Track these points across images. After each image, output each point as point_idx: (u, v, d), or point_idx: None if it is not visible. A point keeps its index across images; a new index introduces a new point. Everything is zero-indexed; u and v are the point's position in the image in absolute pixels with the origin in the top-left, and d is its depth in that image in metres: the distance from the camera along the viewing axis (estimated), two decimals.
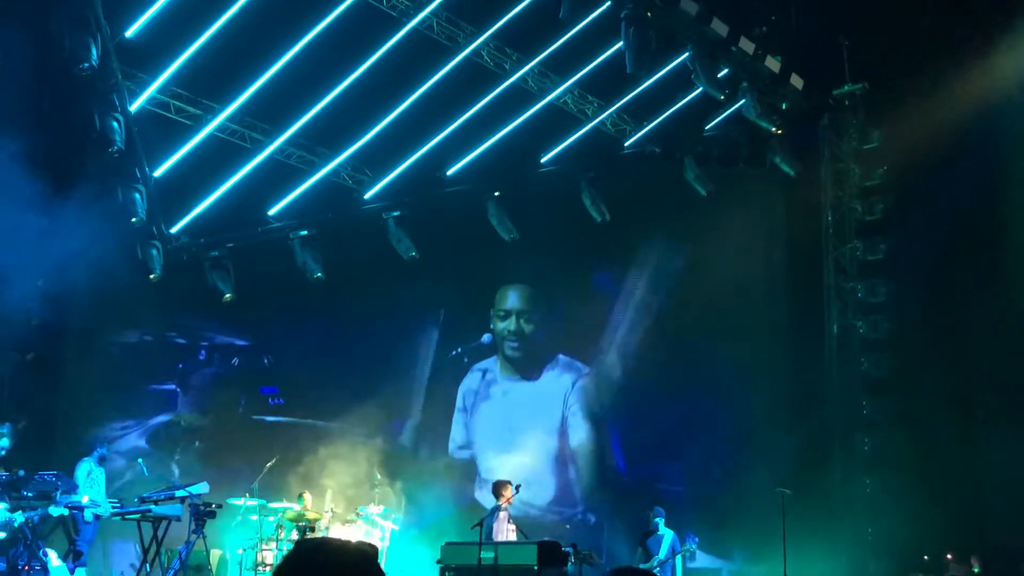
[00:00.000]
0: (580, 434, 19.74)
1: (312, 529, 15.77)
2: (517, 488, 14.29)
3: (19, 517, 13.16)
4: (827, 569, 15.77)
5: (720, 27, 15.52)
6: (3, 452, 12.43)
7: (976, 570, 15.86)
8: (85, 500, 14.47)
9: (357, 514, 16.80)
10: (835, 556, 16.18)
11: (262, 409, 20.60)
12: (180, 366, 20.62)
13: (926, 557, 16.29)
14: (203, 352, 20.82)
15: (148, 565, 14.74)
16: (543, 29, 16.68)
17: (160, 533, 14.77)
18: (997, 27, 16.23)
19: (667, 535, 15.45)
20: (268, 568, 15.91)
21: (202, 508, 14.79)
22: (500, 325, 20.41)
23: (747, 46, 16.03)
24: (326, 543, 2.51)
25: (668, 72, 17.32)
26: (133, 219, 16.14)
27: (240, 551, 16.23)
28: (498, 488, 14.74)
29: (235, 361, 21.04)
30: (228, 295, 18.12)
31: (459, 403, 20.68)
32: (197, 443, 19.50)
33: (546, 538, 15.16)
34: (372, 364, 19.64)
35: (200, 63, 15.85)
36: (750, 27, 16.24)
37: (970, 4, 16.86)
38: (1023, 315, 16.28)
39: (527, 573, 12.12)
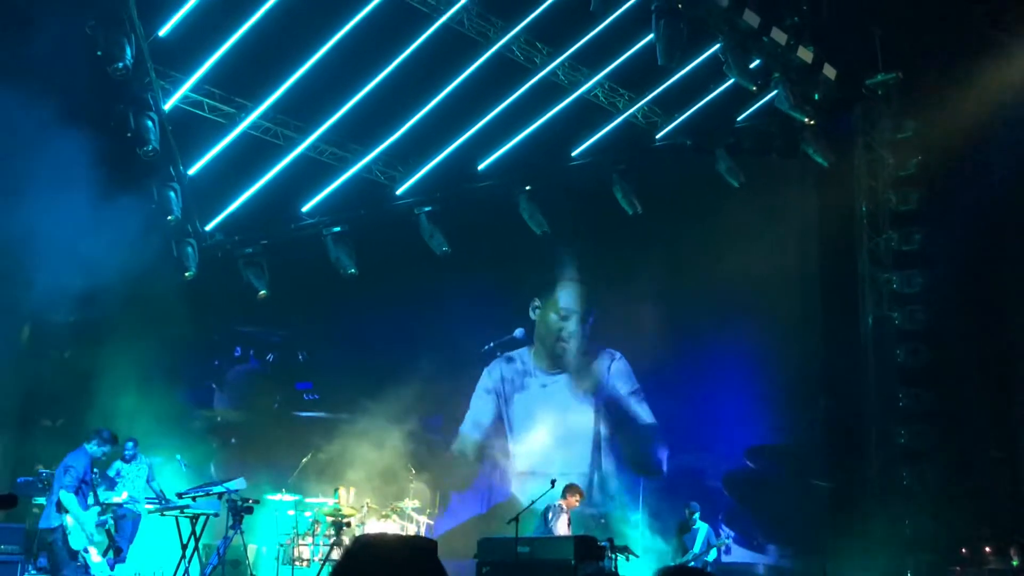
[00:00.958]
0: (614, 422, 19.73)
1: (348, 524, 15.84)
2: (552, 483, 14.30)
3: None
4: (864, 563, 15.68)
5: (752, 17, 15.41)
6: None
7: (1015, 563, 15.72)
8: (124, 497, 14.62)
9: (392, 509, 16.88)
10: (872, 550, 16.08)
11: (297, 405, 20.74)
12: (216, 363, 20.79)
13: (964, 550, 16.17)
14: (238, 349, 20.97)
15: (186, 561, 14.88)
16: (573, 23, 16.64)
17: (198, 529, 14.90)
18: None
19: (702, 529, 15.45)
20: (305, 563, 16.01)
21: (239, 504, 14.88)
22: (554, 321, 20.38)
23: (779, 36, 15.91)
24: (384, 538, 2.52)
25: (699, 63, 17.22)
26: (168, 217, 16.28)
27: (278, 546, 16.36)
28: (569, 490, 14.76)
29: (270, 357, 21.20)
30: (262, 292, 18.24)
31: (486, 384, 20.67)
32: (233, 439, 19.65)
33: (582, 532, 15.22)
34: (406, 359, 19.70)
35: (233, 61, 15.94)
36: (782, 17, 16.12)
37: None
38: None
39: (564, 568, 12.13)
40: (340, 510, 15.88)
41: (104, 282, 17.83)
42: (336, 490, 16.47)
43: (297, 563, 15.98)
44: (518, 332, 20.82)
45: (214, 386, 20.72)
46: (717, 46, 15.96)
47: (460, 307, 20.51)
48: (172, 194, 16.27)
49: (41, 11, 14.08)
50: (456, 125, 17.91)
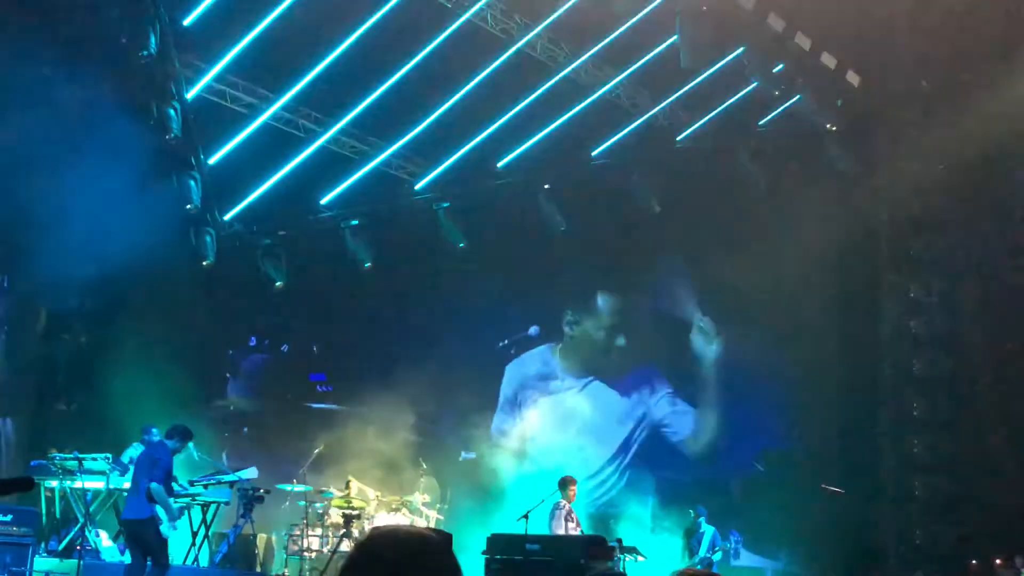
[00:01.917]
0: (642, 434, 19.79)
1: (358, 516, 15.87)
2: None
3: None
4: (873, 571, 15.64)
5: (776, 22, 15.38)
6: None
7: (1023, 572, 15.66)
8: None
9: (402, 502, 16.90)
10: (882, 558, 16.04)
11: (310, 396, 20.78)
12: (230, 352, 20.84)
13: (974, 561, 16.11)
14: (253, 339, 21.03)
15: (196, 548, 14.94)
16: (597, 23, 16.62)
17: (209, 517, 14.96)
18: None
19: (708, 532, 15.42)
20: (314, 554, 16.05)
21: (250, 493, 14.94)
22: (599, 336, 20.35)
23: (803, 42, 15.87)
24: (399, 529, 2.52)
25: (723, 66, 17.17)
26: (188, 206, 16.33)
27: (287, 536, 16.40)
28: (563, 484, 14.75)
29: (284, 348, 21.24)
30: (279, 282, 18.27)
31: (507, 392, 20.70)
32: (246, 428, 19.71)
33: (592, 532, 15.21)
34: (419, 353, 19.70)
35: (256, 52, 15.98)
36: (807, 22, 16.07)
37: None
38: None
39: (573, 567, 12.11)
40: (350, 502, 15.91)
41: (121, 269, 17.93)
42: (347, 482, 16.49)
43: (305, 553, 16.02)
44: (532, 330, 20.81)
45: (228, 375, 20.77)
46: (740, 50, 15.92)
47: (475, 303, 20.50)
48: (192, 183, 16.34)
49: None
50: (476, 122, 17.91)
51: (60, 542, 14.18)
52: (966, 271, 17.26)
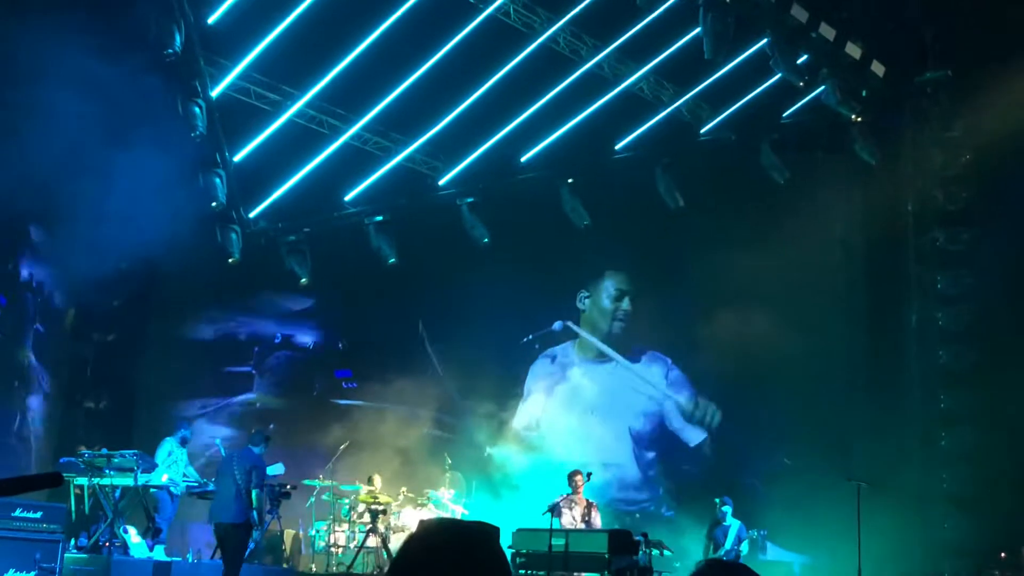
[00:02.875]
0: (668, 422, 19.74)
1: (384, 511, 15.93)
2: (588, 476, 14.28)
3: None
4: (902, 565, 15.54)
5: (800, 13, 15.28)
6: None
7: None
8: (164, 479, 14.79)
9: (428, 498, 16.96)
10: (910, 552, 15.94)
11: (336, 392, 20.87)
12: (256, 349, 20.96)
13: (1003, 555, 15.98)
14: (279, 335, 21.13)
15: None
16: (619, 15, 16.57)
17: None
18: None
19: (734, 525, 15.35)
20: (340, 549, 16.13)
21: (277, 489, 15.06)
22: (607, 305, 20.36)
23: (827, 32, 15.77)
24: (448, 523, 2.54)
25: (746, 58, 17.08)
26: (213, 203, 16.42)
27: (313, 531, 16.49)
28: (569, 477, 14.75)
29: (310, 344, 21.33)
30: (304, 279, 18.35)
31: (529, 387, 20.72)
32: (272, 425, 19.80)
33: (617, 526, 15.20)
34: (444, 349, 19.77)
35: (279, 50, 16.05)
36: (830, 12, 15.97)
37: None
38: None
39: (598, 561, 12.13)
40: (376, 497, 15.97)
41: (149, 267, 18.08)
42: (370, 477, 16.55)
43: (333, 549, 16.10)
44: (557, 325, 20.80)
45: (254, 372, 20.89)
46: (764, 41, 15.83)
47: (499, 298, 20.50)
48: (218, 180, 16.42)
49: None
50: (499, 116, 17.90)
51: (89, 538, 14.31)
52: (993, 262, 17.10)
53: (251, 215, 18.22)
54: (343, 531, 16.39)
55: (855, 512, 13.04)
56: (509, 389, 20.65)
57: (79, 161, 14.45)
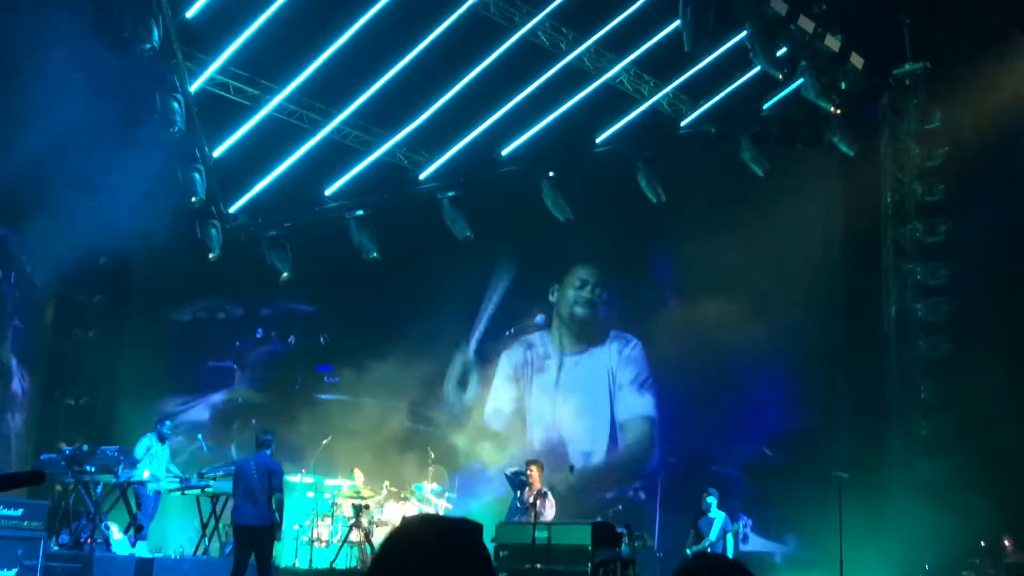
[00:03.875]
0: (629, 408, 19.76)
1: (367, 506, 15.93)
2: (571, 469, 14.32)
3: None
4: (882, 554, 15.64)
5: (779, 5, 15.34)
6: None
7: None
8: (146, 475, 14.74)
9: (411, 491, 16.95)
10: (891, 541, 16.04)
11: (318, 387, 20.84)
12: (237, 344, 20.92)
13: (983, 543, 16.10)
14: (260, 330, 21.09)
15: (207, 540, 15.02)
16: (600, 8, 16.59)
17: (218, 508, 15.03)
18: None
19: (719, 517, 15.40)
20: (324, 544, 16.12)
21: None
22: (571, 293, 20.43)
23: (807, 25, 15.82)
24: (430, 520, 2.52)
25: (726, 51, 17.14)
26: (193, 199, 16.34)
27: (296, 526, 16.46)
28: (526, 465, 14.85)
29: (291, 339, 21.30)
30: (285, 274, 18.31)
31: (506, 371, 20.71)
32: (254, 420, 19.76)
33: (599, 518, 15.23)
34: (426, 343, 19.75)
35: (258, 44, 15.99)
36: (810, 5, 16.03)
37: None
38: None
39: (581, 553, 12.16)
40: (359, 492, 15.96)
41: (129, 262, 18.00)
42: (352, 471, 16.54)
43: (316, 543, 16.09)
44: (539, 318, 20.84)
45: (235, 367, 20.84)
46: (744, 33, 15.88)
47: (481, 292, 20.53)
48: (197, 175, 16.34)
49: None
50: (480, 110, 17.89)
51: (71, 535, 14.25)
52: (971, 253, 17.21)
53: (231, 210, 18.16)
54: (326, 526, 16.37)
55: (836, 502, 13.12)
56: (491, 381, 20.67)
57: (56, 157, 14.36)
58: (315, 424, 18.38)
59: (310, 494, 16.46)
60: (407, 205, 19.06)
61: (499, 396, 20.71)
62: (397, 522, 14.73)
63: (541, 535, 12.49)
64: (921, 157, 17.76)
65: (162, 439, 15.41)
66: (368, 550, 15.53)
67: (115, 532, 14.51)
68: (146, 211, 15.22)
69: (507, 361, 20.84)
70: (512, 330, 20.89)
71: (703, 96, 18.55)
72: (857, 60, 16.88)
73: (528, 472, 14.67)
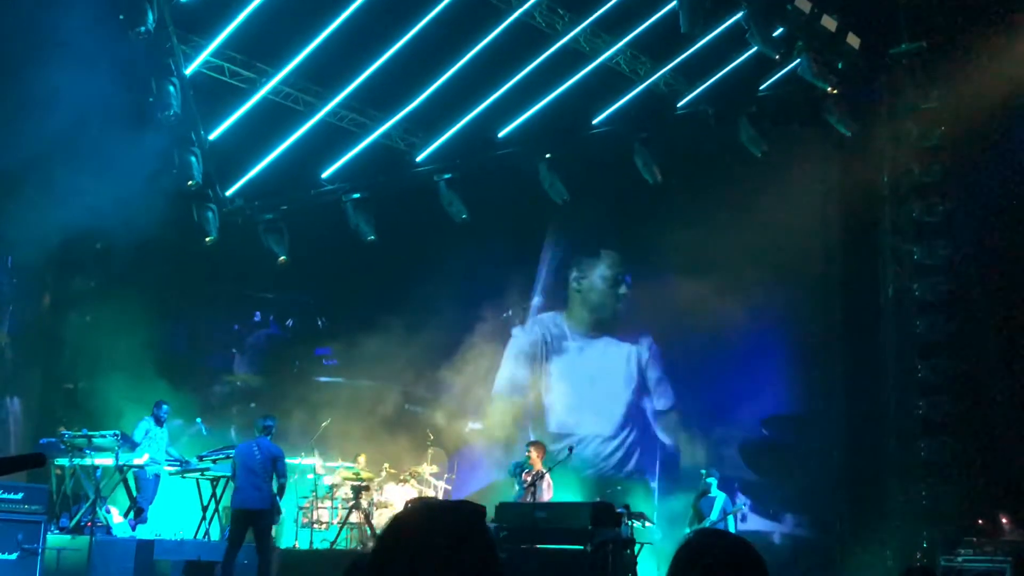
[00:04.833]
0: (653, 398, 19.88)
1: (367, 488, 15.98)
2: (570, 450, 14.35)
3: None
4: (880, 533, 15.71)
5: None
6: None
7: None
8: (145, 458, 14.78)
9: (410, 474, 17.01)
10: (888, 520, 16.11)
11: (317, 370, 20.87)
12: (235, 327, 20.92)
13: (980, 521, 16.17)
14: (258, 314, 21.10)
15: (206, 522, 15.07)
16: None
17: (218, 491, 15.08)
18: None
19: (719, 497, 15.47)
20: (324, 526, 16.18)
21: None
22: (603, 288, 20.47)
23: (803, 4, 15.77)
24: (434, 504, 2.50)
25: (722, 31, 17.09)
26: (189, 182, 16.32)
27: (297, 509, 16.52)
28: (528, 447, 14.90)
29: (289, 322, 21.32)
30: (282, 257, 18.30)
31: (522, 346, 20.77)
32: (253, 403, 19.80)
33: (598, 499, 15.30)
34: (424, 325, 19.76)
35: (253, 27, 15.92)
36: None
37: None
38: None
39: (580, 534, 12.20)
40: (359, 474, 16.01)
41: (126, 246, 17.98)
42: (356, 456, 16.60)
43: (316, 526, 16.15)
44: (536, 300, 20.85)
45: (234, 351, 20.85)
46: (740, 14, 15.83)
47: (478, 274, 20.52)
48: (193, 159, 16.32)
49: None
50: (476, 92, 17.85)
51: (71, 519, 14.29)
52: (968, 233, 17.22)
53: (228, 194, 18.13)
54: (326, 508, 16.43)
55: (834, 481, 13.18)
56: (491, 364, 20.70)
57: (52, 141, 14.32)
58: (314, 407, 18.41)
59: (310, 476, 16.49)
60: (404, 188, 19.04)
61: (510, 369, 20.77)
62: (397, 504, 14.84)
63: (541, 515, 12.53)
64: (918, 137, 17.72)
65: (159, 422, 15.45)
66: (368, 531, 15.59)
67: (115, 515, 14.56)
68: (143, 195, 15.19)
69: (524, 335, 20.89)
70: (510, 312, 20.91)
71: (700, 77, 18.50)
72: (854, 40, 16.83)
73: (528, 453, 14.71)
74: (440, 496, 16.81)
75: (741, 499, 15.70)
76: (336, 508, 16.37)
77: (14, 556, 11.74)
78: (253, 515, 12.73)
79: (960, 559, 14.90)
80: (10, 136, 13.76)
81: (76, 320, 18.26)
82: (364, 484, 15.95)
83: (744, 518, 16.42)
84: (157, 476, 15.14)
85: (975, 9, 16.42)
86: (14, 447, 16.57)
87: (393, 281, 19.98)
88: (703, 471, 15.80)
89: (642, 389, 20.03)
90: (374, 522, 15.71)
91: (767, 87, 18.34)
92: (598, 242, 20.46)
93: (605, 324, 20.57)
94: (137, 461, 14.72)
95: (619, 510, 12.96)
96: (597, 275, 20.60)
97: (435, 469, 17.39)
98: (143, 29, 14.11)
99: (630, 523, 13.04)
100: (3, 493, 11.81)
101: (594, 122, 18.87)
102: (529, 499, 13.67)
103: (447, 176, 18.60)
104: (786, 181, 17.79)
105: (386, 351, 19.37)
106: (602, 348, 20.43)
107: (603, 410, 19.90)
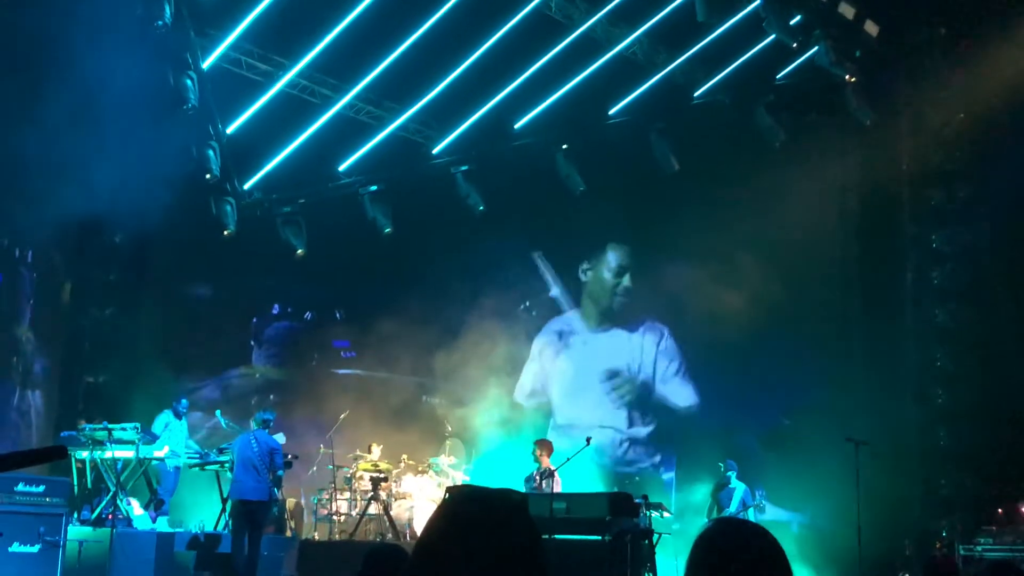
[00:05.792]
0: (668, 390, 19.87)
1: (385, 480, 16.02)
2: (588, 441, 14.36)
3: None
4: (899, 523, 15.66)
5: None
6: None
7: None
8: (166, 451, 14.86)
9: (428, 465, 17.04)
10: (908, 509, 16.06)
11: (335, 362, 20.92)
12: (254, 320, 20.98)
13: (1000, 510, 16.10)
14: (276, 306, 21.15)
15: (226, 514, 15.13)
16: None
17: None
18: None
19: (739, 488, 15.43)
20: (342, 517, 16.23)
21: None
22: (608, 279, 20.48)
23: None
24: (477, 494, 2.48)
25: (739, 20, 17.01)
26: (207, 176, 16.36)
27: (316, 500, 16.59)
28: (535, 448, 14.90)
29: (308, 315, 21.37)
30: (300, 250, 18.33)
31: (534, 354, 20.84)
32: (272, 395, 19.87)
33: (616, 489, 15.29)
34: (441, 317, 19.78)
35: (270, 20, 15.94)
36: None
37: None
38: None
39: (599, 524, 12.20)
40: (377, 465, 16.05)
41: (145, 240, 18.06)
42: (370, 445, 16.64)
43: (335, 517, 16.20)
44: (554, 291, 20.84)
45: (253, 343, 20.92)
46: (757, 2, 15.78)
47: (496, 266, 20.52)
48: (211, 152, 16.35)
49: None
50: (493, 83, 17.82)
51: (92, 511, 14.38)
52: (988, 221, 17.13)
53: (245, 187, 18.16)
54: (345, 499, 16.48)
55: (853, 471, 13.13)
56: (508, 355, 20.70)
57: (71, 134, 14.39)
58: (332, 399, 18.46)
59: (328, 467, 16.55)
60: (420, 180, 19.04)
61: (527, 380, 20.83)
62: (415, 495, 14.85)
63: (559, 506, 12.53)
64: (937, 124, 17.63)
65: (178, 416, 15.55)
66: (387, 523, 15.64)
67: (136, 508, 14.64)
68: (161, 188, 15.25)
69: (535, 345, 20.94)
70: (527, 303, 20.91)
71: (717, 66, 18.42)
72: (872, 27, 16.74)
73: (536, 453, 14.71)
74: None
75: (760, 492, 15.67)
76: (355, 499, 16.42)
77: (36, 548, 11.83)
78: (252, 506, 12.91)
79: (979, 548, 14.86)
80: (29, 130, 13.81)
81: (96, 313, 18.34)
82: (383, 475, 15.99)
83: (762, 509, 16.38)
84: (177, 469, 15.23)
85: None
86: (35, 440, 16.69)
87: (410, 273, 20.00)
88: (721, 463, 15.76)
89: (656, 381, 20.00)
90: (392, 513, 15.76)
91: (784, 76, 18.26)
92: (611, 234, 20.42)
93: (615, 316, 20.55)
94: (158, 454, 14.80)
95: (637, 500, 12.96)
96: (607, 268, 20.57)
97: (453, 460, 17.42)
98: (161, 23, 14.17)
99: (648, 513, 13.04)
100: (25, 486, 11.90)
101: (611, 112, 18.82)
102: None
103: (464, 168, 18.60)
104: (804, 170, 17.72)
105: (404, 343, 19.41)
106: (613, 340, 20.40)
107: (614, 402, 19.86)
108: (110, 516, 13.77)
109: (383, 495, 15.86)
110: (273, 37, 16.51)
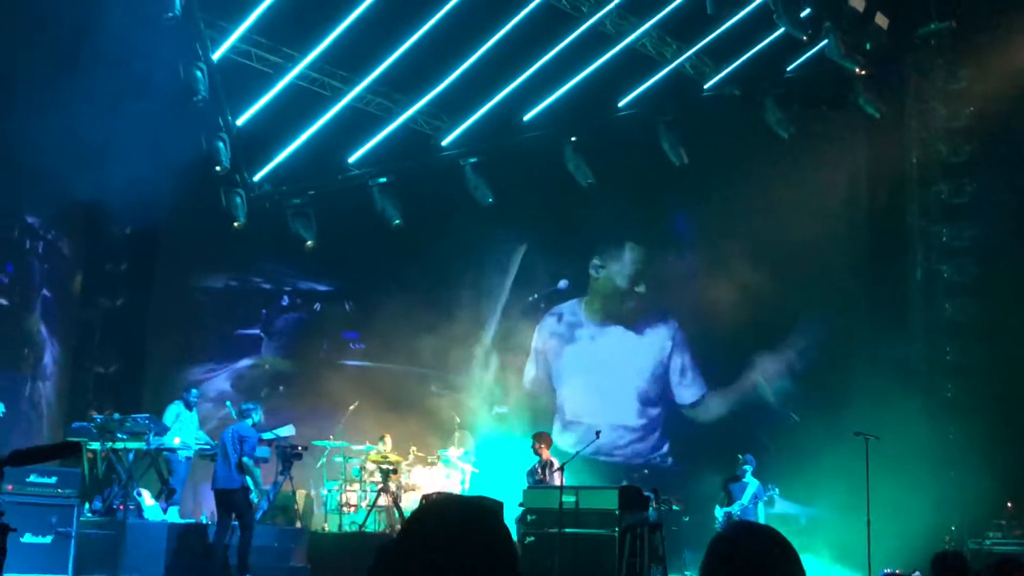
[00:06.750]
0: (679, 385, 19.90)
1: (395, 471, 16.07)
2: (597, 435, 14.38)
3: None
4: (908, 516, 15.66)
5: None
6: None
7: None
8: (177, 442, 14.92)
9: (438, 457, 17.08)
10: (917, 503, 16.06)
11: (344, 353, 20.94)
12: (264, 312, 21.00)
13: (1009, 504, 16.11)
14: (286, 298, 21.17)
15: None
16: None
17: None
18: None
19: (752, 483, 15.42)
20: (352, 509, 16.29)
21: (288, 450, 15.17)
22: (622, 284, 20.47)
23: None
24: (449, 502, 2.54)
25: (749, 12, 16.99)
26: (217, 168, 16.38)
27: (325, 492, 16.64)
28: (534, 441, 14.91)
29: (317, 307, 21.38)
30: (310, 242, 18.35)
31: (537, 345, 20.84)
32: (282, 387, 19.91)
33: (625, 482, 15.32)
34: (451, 309, 19.81)
35: (280, 11, 15.96)
36: None
37: None
38: None
39: (608, 517, 12.24)
40: (387, 457, 16.09)
41: (155, 231, 18.10)
42: (382, 437, 16.68)
43: (345, 509, 16.26)
44: (562, 283, 20.85)
45: (262, 334, 20.95)
46: None
47: (504, 258, 20.53)
48: (221, 144, 16.37)
49: None
50: (502, 75, 17.82)
51: (104, 502, 14.45)
52: (997, 214, 17.10)
53: (255, 179, 18.18)
54: (354, 491, 16.53)
55: (862, 465, 13.14)
56: (516, 348, 20.75)
57: (81, 127, 14.42)
58: (342, 391, 18.48)
59: (338, 459, 16.60)
60: (430, 172, 19.04)
61: (531, 372, 20.84)
62: (425, 487, 14.89)
63: (569, 499, 12.56)
64: (947, 117, 17.62)
65: (189, 406, 15.61)
66: (396, 514, 15.69)
67: (147, 498, 14.69)
68: (171, 180, 15.28)
69: (537, 334, 20.94)
70: (536, 296, 20.92)
71: (726, 58, 18.41)
72: (882, 20, 16.72)
73: (535, 446, 14.75)
74: (467, 478, 16.89)
75: (769, 487, 15.70)
76: (364, 491, 16.47)
77: (48, 539, 11.91)
78: (223, 495, 13.02)
79: (988, 542, 14.88)
80: (39, 122, 13.86)
81: (106, 304, 18.40)
82: (393, 467, 16.03)
83: (772, 503, 16.41)
84: (188, 459, 15.29)
85: None
86: (46, 430, 16.75)
87: (420, 265, 20.01)
88: (740, 455, 15.75)
89: (666, 375, 20.02)
90: (403, 505, 15.81)
91: (794, 68, 18.25)
92: (621, 230, 20.40)
93: (623, 313, 20.53)
94: (168, 444, 14.85)
95: (647, 494, 12.99)
96: (617, 265, 20.56)
97: (462, 452, 17.46)
98: (170, 15, 14.20)
99: (658, 507, 13.07)
100: (37, 477, 11.98)
101: (620, 104, 18.81)
102: None
103: (473, 160, 18.59)
104: (813, 163, 17.72)
105: (413, 334, 19.43)
106: (621, 335, 20.40)
107: (622, 397, 19.88)
108: (121, 507, 13.84)
109: (393, 487, 15.91)
110: (283, 29, 16.52)
